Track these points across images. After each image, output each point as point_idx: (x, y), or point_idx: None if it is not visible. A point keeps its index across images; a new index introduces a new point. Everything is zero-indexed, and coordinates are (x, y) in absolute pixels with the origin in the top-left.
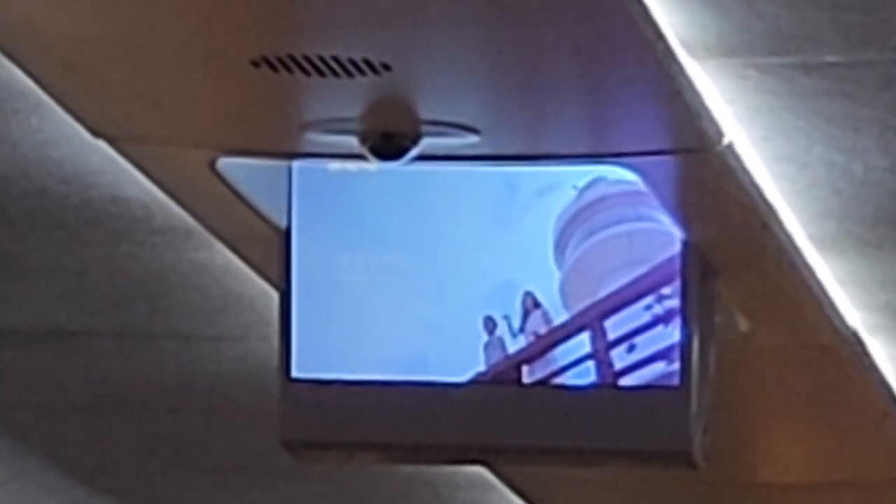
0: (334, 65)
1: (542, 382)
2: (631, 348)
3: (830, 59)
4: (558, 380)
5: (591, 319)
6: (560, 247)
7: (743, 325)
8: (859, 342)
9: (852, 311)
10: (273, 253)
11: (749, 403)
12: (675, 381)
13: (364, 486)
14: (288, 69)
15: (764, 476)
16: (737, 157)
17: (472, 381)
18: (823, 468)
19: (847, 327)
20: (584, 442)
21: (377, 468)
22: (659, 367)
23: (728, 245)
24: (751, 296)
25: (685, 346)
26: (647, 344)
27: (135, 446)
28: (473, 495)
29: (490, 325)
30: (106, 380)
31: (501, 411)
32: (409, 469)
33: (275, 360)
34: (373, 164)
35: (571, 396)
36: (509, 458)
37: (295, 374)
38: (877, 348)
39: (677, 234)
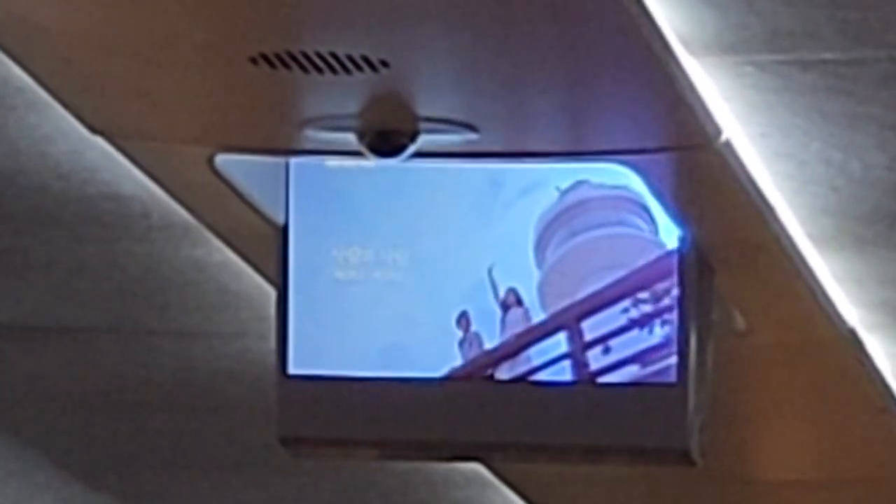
0: (332, 62)
1: (538, 380)
2: (627, 345)
3: (828, 56)
4: (556, 377)
5: (570, 319)
6: (541, 247)
7: (740, 322)
8: (857, 340)
9: (850, 309)
10: (270, 249)
11: (746, 401)
12: (673, 378)
13: (361, 483)
14: (286, 66)
15: (761, 473)
16: (734, 155)
17: (450, 378)
18: (821, 465)
19: (845, 325)
20: (581, 439)
21: (374, 465)
22: (656, 364)
23: (725, 242)
24: (748, 293)
25: (683, 344)
26: (644, 340)
27: (132, 443)
28: (471, 492)
29: (464, 321)
30: (102, 376)
31: (499, 409)
32: (406, 466)
33: (272, 357)
34: (370, 161)
35: (567, 393)
36: (507, 455)
37: (292, 370)
38: (874, 346)
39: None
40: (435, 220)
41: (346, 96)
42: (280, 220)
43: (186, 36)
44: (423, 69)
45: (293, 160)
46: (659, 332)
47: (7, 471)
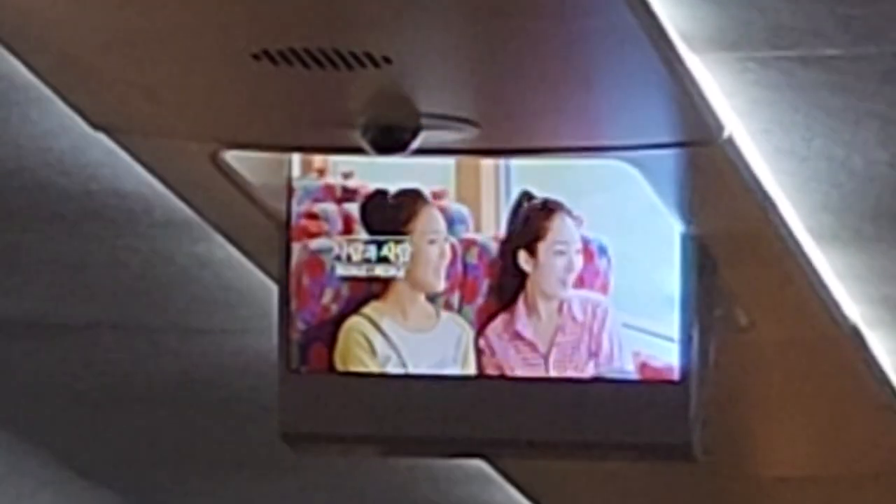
0: (335, 58)
1: (540, 376)
2: (630, 343)
3: (830, 52)
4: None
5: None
6: None
7: (742, 318)
8: (858, 336)
9: (851, 305)
10: (273, 246)
11: (748, 397)
12: (675, 374)
13: (364, 480)
14: (288, 62)
15: (763, 469)
16: (736, 151)
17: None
18: (822, 461)
19: (846, 321)
20: (583, 435)
21: (377, 461)
22: (658, 360)
23: (728, 239)
24: (750, 289)
25: (685, 340)
26: (646, 338)
27: (133, 439)
28: (473, 489)
29: None
30: (105, 372)
31: (500, 405)
32: (408, 462)
33: (274, 353)
34: (373, 158)
35: (570, 390)
36: (509, 451)
37: (294, 366)
38: (876, 342)
39: (677, 227)
40: None
41: (349, 92)
42: (283, 216)
43: (189, 32)
44: (425, 66)
45: (296, 156)
46: (661, 328)
47: (9, 467)
